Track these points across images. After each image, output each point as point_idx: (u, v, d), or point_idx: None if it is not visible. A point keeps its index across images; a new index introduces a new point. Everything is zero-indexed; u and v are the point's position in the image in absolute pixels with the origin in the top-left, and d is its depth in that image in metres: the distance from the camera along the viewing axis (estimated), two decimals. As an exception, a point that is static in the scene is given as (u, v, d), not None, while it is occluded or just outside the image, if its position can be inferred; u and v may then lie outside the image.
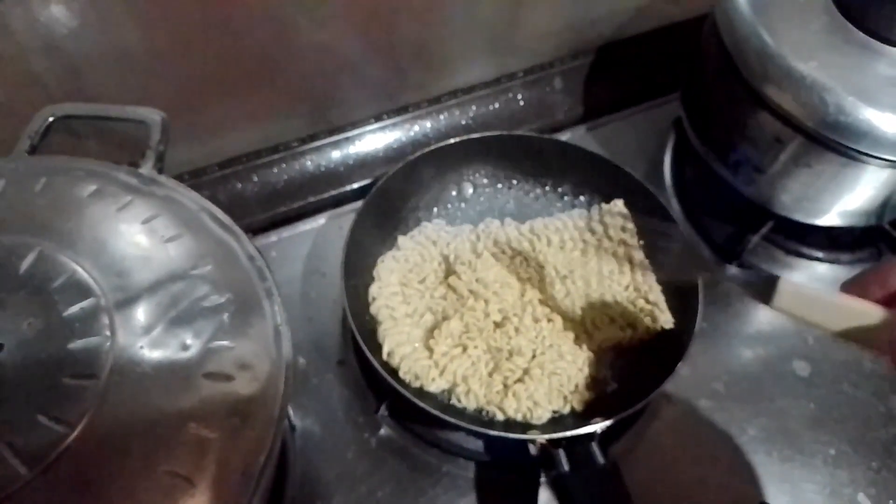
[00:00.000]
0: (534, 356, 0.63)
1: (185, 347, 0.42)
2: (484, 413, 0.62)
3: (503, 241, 0.71)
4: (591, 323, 0.66)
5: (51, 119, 0.57)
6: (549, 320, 0.65)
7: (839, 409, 0.69)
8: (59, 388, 0.39)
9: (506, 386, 0.62)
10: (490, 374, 0.63)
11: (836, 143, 0.61)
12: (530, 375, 0.62)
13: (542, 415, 0.61)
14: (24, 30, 0.60)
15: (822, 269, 0.79)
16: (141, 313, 0.43)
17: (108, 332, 0.41)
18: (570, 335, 0.65)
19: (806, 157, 0.64)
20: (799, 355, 0.72)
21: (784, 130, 0.64)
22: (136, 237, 0.47)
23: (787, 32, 0.64)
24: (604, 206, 0.73)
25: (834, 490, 0.65)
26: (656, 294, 0.67)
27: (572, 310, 0.66)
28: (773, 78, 0.63)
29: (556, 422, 0.62)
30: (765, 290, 0.49)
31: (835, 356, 0.72)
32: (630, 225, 0.72)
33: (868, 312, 0.43)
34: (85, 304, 0.42)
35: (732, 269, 0.78)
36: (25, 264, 0.43)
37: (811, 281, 0.77)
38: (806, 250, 0.79)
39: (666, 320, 0.66)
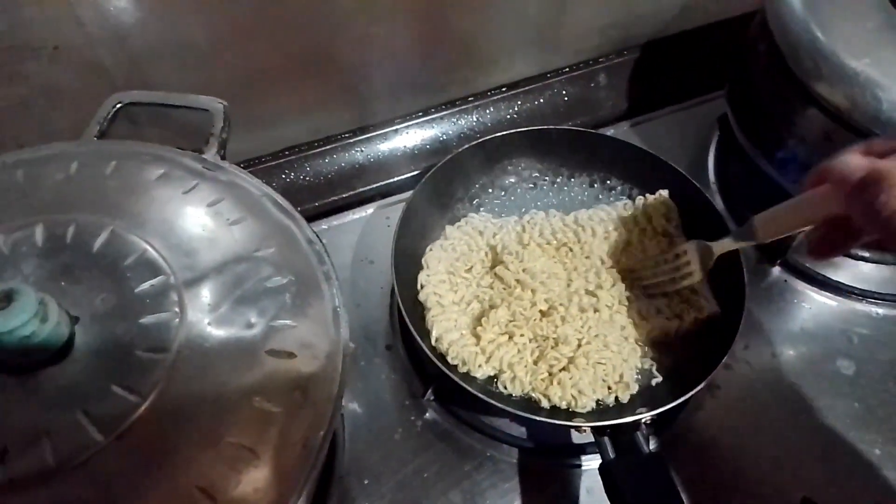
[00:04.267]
0: (579, 345, 0.64)
1: (249, 325, 0.44)
2: (530, 400, 0.63)
3: (548, 232, 0.71)
4: (637, 314, 0.66)
5: (118, 105, 0.59)
6: (595, 310, 0.66)
7: (884, 407, 0.69)
8: (132, 361, 0.41)
9: (551, 374, 0.63)
10: (535, 362, 0.64)
11: (888, 140, 0.61)
12: (575, 364, 0.63)
13: (586, 403, 0.62)
14: (94, 21, 0.62)
15: (868, 268, 0.78)
16: (208, 292, 0.45)
17: (177, 309, 0.43)
18: (617, 325, 0.66)
19: (856, 155, 0.64)
20: (843, 354, 0.72)
21: (835, 128, 0.64)
22: (202, 219, 0.49)
23: (840, 29, 0.64)
24: (648, 196, 0.74)
25: (878, 489, 0.65)
26: (701, 283, 0.67)
27: (618, 300, 0.67)
28: (824, 75, 0.63)
29: (602, 411, 0.63)
30: (747, 234, 0.58)
31: (880, 355, 0.72)
32: (674, 215, 0.72)
33: (829, 194, 0.47)
34: (155, 281, 0.44)
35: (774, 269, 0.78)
36: (98, 242, 0.45)
37: (857, 281, 0.77)
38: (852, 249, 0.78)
39: (711, 308, 0.66)
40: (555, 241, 0.71)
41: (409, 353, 0.70)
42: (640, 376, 0.65)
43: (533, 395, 0.62)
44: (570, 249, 0.71)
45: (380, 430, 0.66)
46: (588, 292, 0.67)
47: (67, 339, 0.40)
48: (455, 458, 0.65)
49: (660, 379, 0.64)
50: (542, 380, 0.63)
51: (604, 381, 0.63)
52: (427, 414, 0.67)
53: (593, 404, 0.62)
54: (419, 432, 0.66)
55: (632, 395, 0.63)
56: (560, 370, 0.63)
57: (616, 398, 0.63)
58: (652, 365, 0.66)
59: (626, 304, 0.67)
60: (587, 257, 0.70)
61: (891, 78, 0.60)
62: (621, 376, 0.63)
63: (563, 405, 0.62)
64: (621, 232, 0.72)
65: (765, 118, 0.73)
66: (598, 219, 0.73)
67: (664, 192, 0.73)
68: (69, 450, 0.37)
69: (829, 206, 0.48)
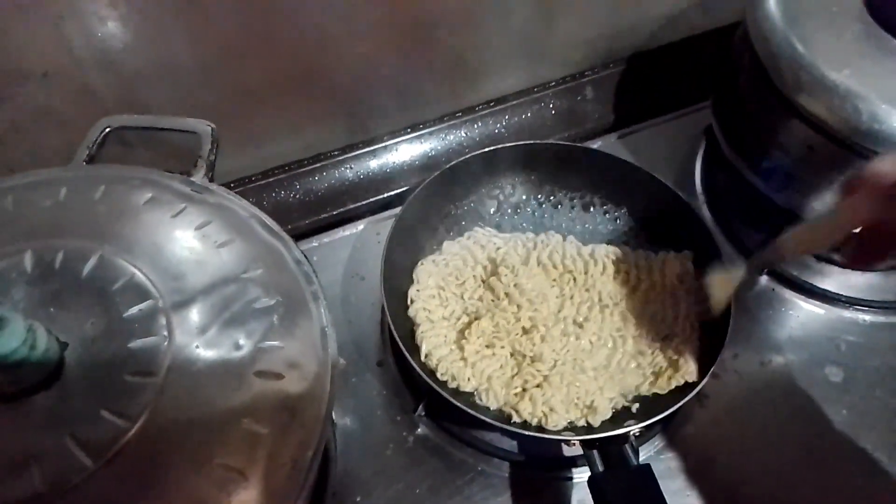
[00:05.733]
0: (555, 365, 0.64)
1: (237, 347, 0.44)
2: (504, 414, 0.63)
3: (558, 257, 0.71)
4: (616, 364, 0.66)
5: (107, 130, 0.60)
6: (577, 338, 0.66)
7: (873, 415, 0.69)
8: (121, 385, 0.41)
9: (525, 389, 0.63)
10: (512, 377, 0.64)
11: (869, 151, 0.62)
12: (549, 382, 0.63)
13: (557, 421, 0.61)
14: (83, 45, 0.63)
15: (855, 276, 0.79)
16: (196, 314, 0.45)
17: (165, 333, 0.44)
18: (596, 357, 0.66)
19: (838, 166, 0.65)
20: (831, 361, 0.73)
21: (816, 139, 0.65)
22: (191, 242, 0.49)
23: (820, 41, 0.65)
24: (671, 252, 0.72)
25: (869, 497, 0.65)
26: (692, 346, 0.66)
27: (604, 340, 0.67)
28: (805, 86, 0.64)
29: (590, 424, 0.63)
30: (773, 257, 0.57)
31: (868, 362, 0.73)
32: (688, 278, 0.70)
33: (862, 201, 0.47)
34: (143, 305, 0.44)
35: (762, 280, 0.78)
36: (87, 268, 0.46)
37: (844, 289, 0.77)
38: (838, 257, 0.79)
39: (690, 373, 0.65)
40: (561, 267, 0.71)
41: (400, 368, 0.71)
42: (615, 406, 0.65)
43: (504, 409, 0.63)
44: (574, 279, 0.70)
45: (372, 446, 0.67)
46: (575, 322, 0.67)
47: (56, 364, 0.41)
48: (447, 473, 0.65)
49: (638, 406, 0.64)
50: (516, 394, 0.63)
51: (576, 403, 0.63)
52: (419, 429, 0.68)
53: (564, 423, 0.62)
54: (411, 448, 0.67)
55: (621, 408, 0.63)
56: (535, 386, 0.63)
57: (587, 423, 0.62)
58: (627, 400, 0.65)
59: (610, 346, 0.67)
60: (587, 290, 0.70)
61: (870, 89, 0.61)
62: (592, 402, 0.62)
63: (534, 421, 0.62)
64: (631, 278, 0.71)
65: (749, 129, 0.74)
66: (615, 257, 0.72)
67: (687, 254, 0.72)
68: (58, 475, 0.38)
69: (862, 214, 0.47)
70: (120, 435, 0.39)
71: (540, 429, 0.61)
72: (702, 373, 0.61)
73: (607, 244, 0.74)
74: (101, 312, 0.44)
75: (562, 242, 0.73)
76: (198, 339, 0.44)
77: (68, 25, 0.61)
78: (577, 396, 0.63)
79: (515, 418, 0.62)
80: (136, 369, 0.42)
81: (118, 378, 0.41)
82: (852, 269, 0.78)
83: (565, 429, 0.62)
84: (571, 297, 0.69)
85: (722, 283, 0.63)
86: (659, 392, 0.64)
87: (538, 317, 0.67)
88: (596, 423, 0.62)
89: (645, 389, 0.65)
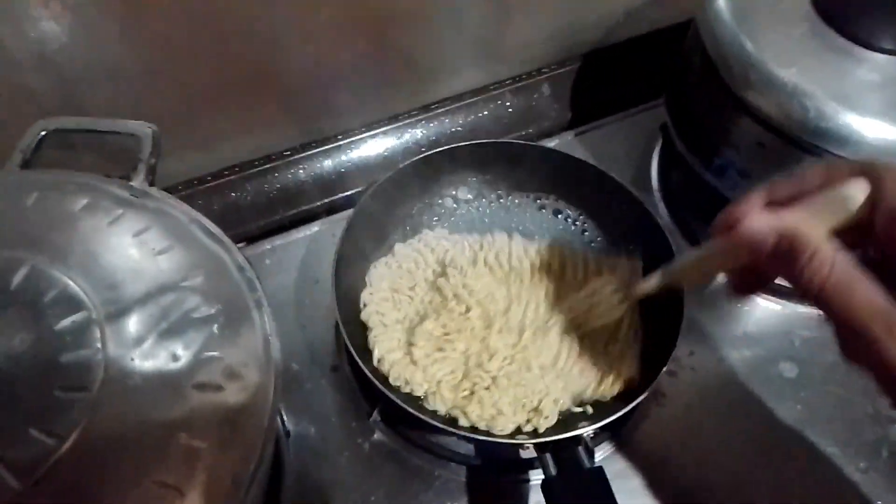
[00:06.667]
0: (503, 367, 0.63)
1: (175, 358, 0.43)
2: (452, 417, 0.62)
3: (504, 257, 0.70)
4: (561, 365, 0.65)
5: (43, 133, 0.57)
6: (525, 337, 0.65)
7: (826, 410, 0.70)
8: (51, 401, 0.40)
9: (473, 392, 0.62)
10: (461, 381, 0.63)
11: (817, 148, 0.62)
12: (497, 384, 0.62)
13: (504, 425, 0.60)
14: (16, 45, 0.61)
15: (810, 270, 0.79)
16: (132, 325, 0.44)
17: (99, 345, 0.42)
18: (543, 354, 0.64)
19: (788, 162, 0.65)
20: (786, 357, 0.73)
21: (766, 136, 0.65)
22: (128, 250, 0.48)
23: (769, 38, 0.65)
24: (623, 258, 0.71)
25: (824, 492, 0.66)
26: (632, 354, 0.66)
27: (550, 339, 0.66)
28: (754, 84, 0.64)
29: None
30: (668, 282, 0.58)
31: (822, 358, 0.73)
32: (635, 279, 0.67)
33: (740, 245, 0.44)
34: (76, 317, 0.43)
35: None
36: (17, 279, 0.44)
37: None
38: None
39: (630, 379, 0.64)
40: (507, 266, 0.70)
41: (354, 373, 0.69)
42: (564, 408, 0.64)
43: (453, 412, 0.62)
44: (521, 279, 0.70)
45: (327, 453, 0.65)
46: (523, 322, 0.66)
47: (-18, 381, 0.39)
48: (403, 479, 0.64)
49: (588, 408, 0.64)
50: (464, 397, 0.62)
51: (524, 404, 0.62)
52: (374, 435, 0.66)
53: (512, 427, 0.61)
54: (367, 454, 0.65)
55: (570, 413, 0.63)
56: (484, 388, 0.62)
57: (535, 429, 0.61)
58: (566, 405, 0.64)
59: (556, 346, 0.65)
60: (533, 289, 0.69)
61: (817, 86, 0.61)
62: (539, 403, 0.61)
63: (482, 425, 0.61)
64: (578, 278, 0.70)
65: (701, 126, 0.74)
66: (560, 256, 0.71)
67: (637, 262, 0.69)
68: (-18, 499, 0.36)
69: (740, 257, 0.46)
70: (49, 454, 0.38)
71: (490, 433, 0.60)
72: (650, 377, 0.60)
73: (555, 243, 0.73)
74: (30, 325, 0.42)
75: (508, 242, 0.72)
76: (133, 352, 0.43)
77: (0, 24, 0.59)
78: (524, 397, 0.62)
79: (463, 421, 0.61)
80: (68, 384, 0.40)
81: (48, 394, 0.40)
82: (735, 298, 0.77)
83: (515, 432, 0.61)
84: (518, 297, 0.68)
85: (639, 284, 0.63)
86: (602, 399, 0.64)
87: (486, 317, 0.66)
88: (542, 427, 0.61)
89: (588, 395, 0.64)
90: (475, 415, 0.61)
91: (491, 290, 0.67)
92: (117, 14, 0.63)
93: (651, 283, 0.60)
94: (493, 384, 0.62)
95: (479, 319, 0.66)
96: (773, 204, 0.44)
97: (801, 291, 0.41)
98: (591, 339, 0.66)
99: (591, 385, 0.64)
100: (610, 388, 0.64)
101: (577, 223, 0.77)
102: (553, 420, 0.62)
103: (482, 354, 0.64)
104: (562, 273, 0.70)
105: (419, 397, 0.63)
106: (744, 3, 0.68)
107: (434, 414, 0.62)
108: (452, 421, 0.62)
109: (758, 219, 0.43)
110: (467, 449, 0.66)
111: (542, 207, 0.78)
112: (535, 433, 0.60)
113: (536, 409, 0.62)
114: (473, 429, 0.61)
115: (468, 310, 0.65)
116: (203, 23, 0.67)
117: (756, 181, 0.69)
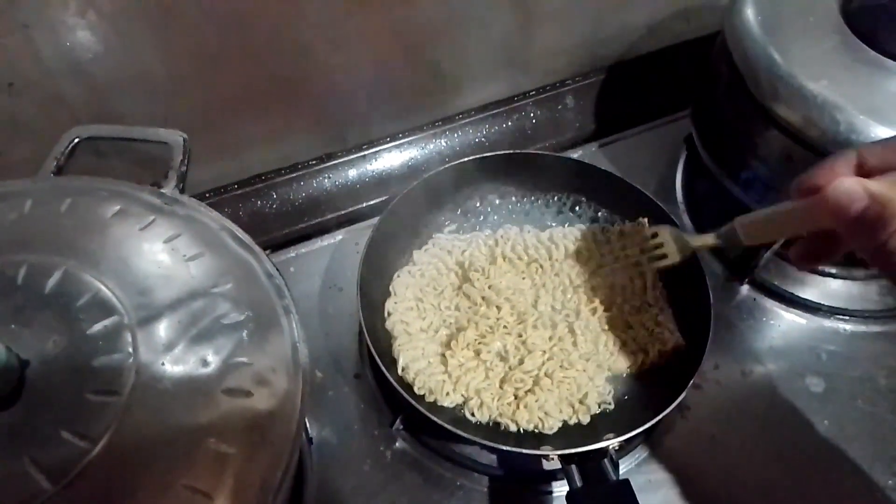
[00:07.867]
0: (543, 362, 0.64)
1: (205, 364, 0.43)
2: (497, 425, 0.63)
3: (521, 248, 0.71)
4: (604, 346, 0.66)
5: (76, 140, 0.58)
6: (561, 327, 0.66)
7: (853, 425, 0.69)
8: (83, 404, 0.40)
9: (517, 397, 0.62)
10: (501, 386, 0.63)
11: (847, 161, 0.61)
12: (540, 386, 0.62)
13: (553, 425, 0.61)
14: (52, 54, 0.62)
15: (836, 285, 0.79)
16: (162, 331, 0.44)
17: (130, 350, 0.42)
18: (582, 345, 0.65)
19: (817, 175, 0.65)
20: (812, 371, 0.72)
21: (795, 149, 0.64)
22: (159, 256, 0.48)
23: (798, 51, 0.65)
24: (627, 223, 0.73)
25: (849, 507, 0.65)
26: (667, 315, 0.67)
27: (585, 325, 0.67)
28: (783, 97, 0.64)
29: (569, 436, 0.62)
30: (730, 235, 0.56)
31: (849, 372, 0.72)
32: (649, 245, 0.69)
33: (820, 208, 0.43)
34: (108, 321, 0.43)
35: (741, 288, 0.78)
36: (51, 283, 0.45)
37: (824, 298, 0.77)
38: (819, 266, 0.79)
39: (676, 341, 0.65)
40: (526, 257, 0.71)
41: (378, 381, 0.70)
42: (604, 398, 0.65)
43: (500, 420, 0.62)
44: (541, 266, 0.70)
45: (349, 461, 0.66)
46: (554, 310, 0.67)
47: (16, 383, 0.39)
48: (425, 488, 0.64)
49: (625, 400, 0.64)
50: (509, 404, 0.62)
51: (568, 399, 0.63)
52: (397, 443, 0.67)
53: (559, 425, 0.62)
54: (389, 462, 0.66)
55: (595, 418, 0.63)
56: (526, 392, 0.62)
57: (578, 421, 0.62)
58: (617, 388, 0.66)
59: (592, 330, 0.66)
60: (556, 275, 0.70)
61: (847, 99, 0.61)
62: (586, 395, 0.62)
63: (531, 428, 0.61)
64: (594, 255, 0.71)
65: (728, 139, 0.74)
66: (573, 238, 0.72)
67: (643, 221, 0.71)
68: (16, 500, 0.37)
69: (818, 221, 0.45)
70: (81, 457, 0.38)
71: (519, 443, 0.60)
72: (680, 387, 0.60)
73: (565, 227, 0.75)
74: (64, 329, 0.43)
75: (520, 233, 0.73)
76: (164, 357, 0.43)
77: (35, 34, 0.60)
78: (569, 393, 0.63)
79: (512, 428, 0.62)
80: (100, 388, 0.41)
81: (80, 397, 0.40)
82: (798, 268, 0.77)
83: (556, 434, 0.61)
84: (544, 286, 0.69)
85: (680, 241, 0.64)
86: (653, 365, 0.66)
87: (518, 313, 0.66)
88: (585, 418, 0.62)
89: (635, 369, 0.65)
90: (524, 420, 0.61)
91: (516, 284, 0.68)
92: (149, 23, 0.64)
93: (714, 235, 0.59)
94: (536, 386, 0.62)
95: (510, 316, 0.66)
96: (861, 172, 0.42)
97: (880, 263, 0.40)
98: (621, 307, 0.67)
99: (640, 358, 0.65)
100: (658, 356, 0.65)
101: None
102: (595, 409, 0.63)
103: (520, 350, 0.64)
104: (577, 253, 0.71)
105: (444, 407, 0.63)
106: (772, 16, 0.68)
107: (465, 423, 0.62)
108: (489, 429, 0.62)
109: (846, 181, 0.41)
110: (490, 459, 0.66)
111: (566, 215, 0.79)
112: (564, 443, 0.60)
113: (582, 402, 0.62)
114: (503, 438, 0.61)
115: (499, 309, 0.66)
116: (232, 32, 0.68)
117: (784, 195, 0.69)
